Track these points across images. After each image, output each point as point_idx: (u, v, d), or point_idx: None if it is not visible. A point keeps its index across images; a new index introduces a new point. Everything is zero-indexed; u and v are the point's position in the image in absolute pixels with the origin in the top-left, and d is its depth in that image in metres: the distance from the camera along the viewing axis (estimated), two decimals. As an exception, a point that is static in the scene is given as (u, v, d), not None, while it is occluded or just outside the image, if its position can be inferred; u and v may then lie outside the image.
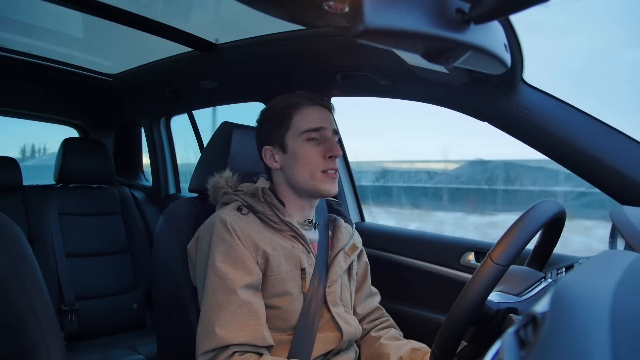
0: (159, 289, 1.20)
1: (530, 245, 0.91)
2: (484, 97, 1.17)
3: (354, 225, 1.26)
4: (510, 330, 0.38)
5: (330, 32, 1.18)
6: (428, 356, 1.04)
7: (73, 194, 2.04)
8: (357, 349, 1.16)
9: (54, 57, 1.77)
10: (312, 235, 1.13)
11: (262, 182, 1.11)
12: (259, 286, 1.01)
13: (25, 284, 0.91)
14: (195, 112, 2.26)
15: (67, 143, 2.03)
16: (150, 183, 2.50)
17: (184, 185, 2.46)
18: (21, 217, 1.85)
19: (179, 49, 1.51)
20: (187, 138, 2.38)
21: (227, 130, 1.25)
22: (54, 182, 2.07)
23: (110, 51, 1.79)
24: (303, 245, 1.07)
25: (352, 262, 1.17)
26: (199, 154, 1.84)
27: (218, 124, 1.32)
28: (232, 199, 1.10)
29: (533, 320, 0.37)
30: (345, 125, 1.77)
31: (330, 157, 1.06)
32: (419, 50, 0.55)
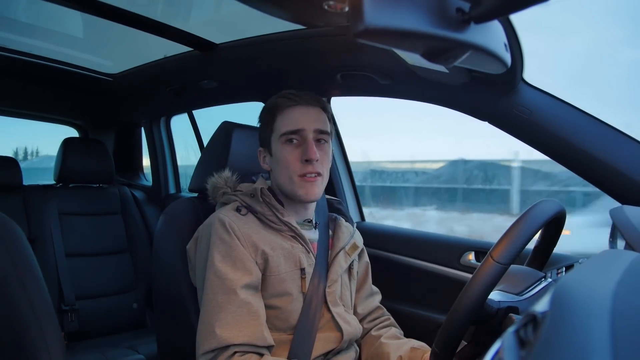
0: (159, 289, 1.20)
1: (530, 245, 0.91)
2: (484, 96, 1.17)
3: (355, 225, 1.26)
4: (510, 329, 0.38)
5: (330, 32, 1.18)
6: (428, 355, 1.04)
7: (73, 194, 2.04)
8: (358, 348, 1.16)
9: (54, 57, 1.77)
10: (312, 234, 1.13)
11: (260, 182, 1.11)
12: (258, 286, 1.01)
13: (25, 284, 0.91)
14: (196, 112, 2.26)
15: (67, 143, 2.03)
16: (150, 183, 2.50)
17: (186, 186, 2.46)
18: (21, 217, 1.85)
19: (179, 49, 1.51)
20: (187, 138, 2.39)
21: (227, 130, 1.25)
22: (53, 182, 2.07)
23: (110, 51, 1.79)
24: (302, 245, 1.07)
25: (352, 261, 1.17)
26: (199, 154, 1.84)
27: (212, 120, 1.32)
28: (231, 199, 1.10)
29: (533, 320, 0.37)
30: (341, 127, 1.77)
31: (306, 160, 1.03)
32: (419, 50, 0.55)
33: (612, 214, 0.82)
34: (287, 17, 0.62)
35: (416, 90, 1.33)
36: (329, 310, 1.07)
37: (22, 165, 1.95)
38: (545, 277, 0.93)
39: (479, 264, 0.77)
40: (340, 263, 1.12)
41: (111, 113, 2.35)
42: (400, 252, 1.58)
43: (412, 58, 0.99)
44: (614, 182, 1.05)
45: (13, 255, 0.93)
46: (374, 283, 1.27)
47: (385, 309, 1.27)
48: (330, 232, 1.18)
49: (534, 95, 1.11)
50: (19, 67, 1.80)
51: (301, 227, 1.09)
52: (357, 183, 1.88)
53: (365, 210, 1.88)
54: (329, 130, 1.08)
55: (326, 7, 0.52)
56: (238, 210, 1.06)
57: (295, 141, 1.04)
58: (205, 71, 1.60)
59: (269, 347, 0.98)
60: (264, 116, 1.10)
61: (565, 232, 0.96)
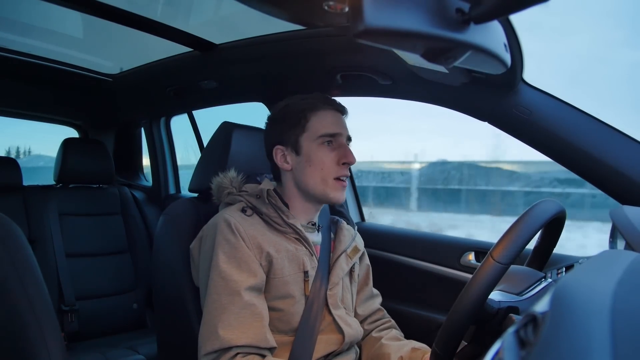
0: (159, 289, 1.20)
1: (530, 245, 0.91)
2: (484, 97, 1.17)
3: (356, 227, 1.26)
4: (511, 330, 0.38)
5: (330, 32, 1.18)
6: (428, 355, 1.04)
7: (73, 194, 2.04)
8: (358, 350, 1.16)
9: (54, 57, 1.77)
10: (315, 237, 1.13)
11: (266, 184, 1.10)
12: (262, 288, 1.00)
13: (25, 284, 0.91)
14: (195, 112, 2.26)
15: (67, 143, 2.03)
16: (150, 183, 2.50)
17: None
18: (21, 217, 1.85)
19: (179, 49, 1.51)
20: (187, 139, 2.39)
21: (227, 130, 1.25)
22: (53, 182, 2.07)
23: (110, 51, 1.79)
24: (306, 247, 1.07)
25: (353, 264, 1.17)
26: (199, 154, 1.84)
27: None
28: (237, 200, 1.09)
29: (533, 320, 0.37)
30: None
31: (344, 163, 1.05)
32: (419, 50, 0.55)
33: (612, 214, 0.82)
34: (287, 17, 0.62)
35: (416, 90, 1.33)
36: (330, 312, 1.07)
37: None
38: (545, 277, 0.93)
39: (479, 264, 0.77)
40: (342, 266, 1.12)
41: (111, 113, 2.35)
42: (400, 253, 1.58)
43: (412, 58, 0.99)
44: (614, 182, 1.05)
45: (13, 255, 0.93)
46: (374, 283, 1.27)
47: (385, 311, 1.27)
48: (332, 235, 1.18)
49: (534, 95, 1.11)
50: (19, 67, 1.80)
51: (305, 230, 1.09)
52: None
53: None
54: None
55: (326, 7, 0.52)
56: (243, 211, 1.06)
57: (331, 144, 1.06)
58: (205, 71, 1.60)
59: (271, 349, 0.98)
60: (290, 115, 1.08)
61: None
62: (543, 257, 1.02)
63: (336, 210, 1.25)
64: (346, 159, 1.05)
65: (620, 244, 0.81)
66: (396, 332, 1.20)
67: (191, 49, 1.49)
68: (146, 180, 2.59)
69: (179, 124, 2.42)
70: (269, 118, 1.14)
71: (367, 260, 1.27)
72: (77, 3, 1.24)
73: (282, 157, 1.09)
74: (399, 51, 0.91)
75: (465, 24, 0.50)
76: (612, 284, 0.37)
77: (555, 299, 0.36)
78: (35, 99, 2.17)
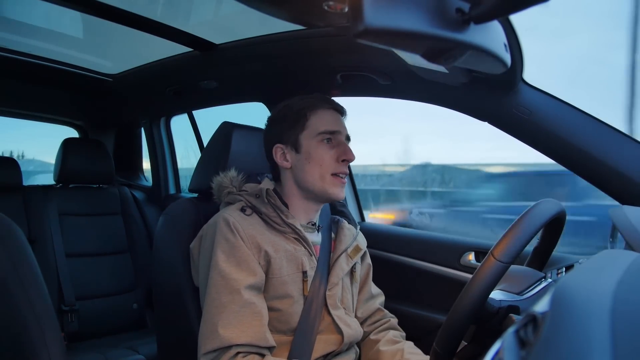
0: (159, 289, 1.20)
1: (530, 246, 0.91)
2: (484, 97, 1.17)
3: (359, 227, 1.25)
4: (511, 330, 0.38)
5: (330, 32, 1.18)
6: None
7: (73, 194, 2.04)
8: (358, 350, 1.16)
9: (54, 57, 1.77)
10: (315, 237, 1.13)
11: (266, 183, 1.10)
12: (261, 287, 1.01)
13: (25, 284, 0.91)
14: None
15: (67, 143, 2.03)
16: (150, 183, 2.50)
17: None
18: (21, 217, 1.85)
19: (179, 49, 1.50)
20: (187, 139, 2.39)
21: (227, 130, 1.25)
22: (54, 182, 2.07)
23: (110, 51, 1.79)
24: (305, 248, 1.07)
25: (354, 264, 1.17)
26: (199, 154, 1.84)
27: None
28: (236, 199, 1.10)
29: (533, 320, 0.37)
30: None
31: (343, 160, 1.07)
32: (419, 50, 0.55)
33: (612, 214, 0.82)
34: (287, 17, 0.62)
35: (416, 90, 1.33)
36: (329, 313, 1.07)
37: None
38: (545, 278, 0.93)
39: (479, 264, 0.77)
40: (342, 266, 1.12)
41: (111, 113, 2.35)
42: (400, 253, 1.58)
43: (412, 58, 0.99)
44: (614, 182, 1.05)
45: (13, 255, 0.93)
46: (374, 283, 1.27)
47: (386, 311, 1.26)
48: (333, 234, 1.18)
49: (534, 95, 1.11)
50: (19, 68, 1.80)
51: (304, 230, 1.09)
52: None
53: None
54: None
55: (326, 7, 0.52)
56: (243, 210, 1.06)
57: (330, 141, 1.08)
58: (205, 71, 1.60)
59: (271, 348, 0.98)
60: (290, 114, 1.10)
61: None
62: (543, 257, 1.02)
63: (338, 210, 1.24)
64: (345, 156, 1.07)
65: (620, 244, 0.81)
66: (394, 334, 1.19)
67: (191, 49, 1.49)
68: (146, 180, 2.59)
69: (179, 124, 2.42)
70: (269, 118, 1.15)
71: (368, 260, 1.26)
72: (77, 3, 1.24)
73: (282, 155, 1.10)
74: (399, 51, 0.91)
75: (465, 24, 0.50)
76: (612, 284, 0.37)
77: (555, 299, 0.36)
78: (36, 99, 2.17)
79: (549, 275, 0.98)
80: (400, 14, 0.46)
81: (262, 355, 0.95)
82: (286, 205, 1.09)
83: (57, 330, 0.92)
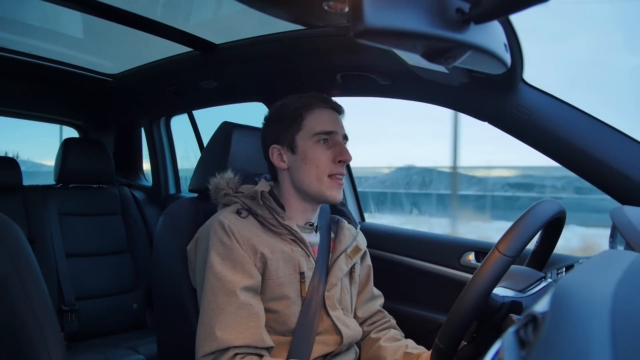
0: (159, 289, 1.20)
1: (530, 246, 0.91)
2: (484, 97, 1.17)
3: (359, 226, 1.25)
4: (511, 330, 0.38)
5: (330, 32, 1.18)
6: (424, 356, 1.04)
7: (73, 194, 2.04)
8: (358, 350, 1.16)
9: (54, 57, 1.77)
10: (313, 238, 1.12)
11: (262, 185, 1.10)
12: (258, 289, 1.00)
13: (25, 284, 0.91)
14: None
15: (67, 143, 2.03)
16: (150, 183, 2.50)
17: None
18: (21, 217, 1.85)
19: (179, 49, 1.51)
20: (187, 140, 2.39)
21: (227, 130, 1.25)
22: (54, 182, 2.07)
23: (110, 51, 1.79)
24: (302, 249, 1.06)
25: (354, 264, 1.16)
26: (199, 154, 1.84)
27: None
28: (232, 201, 1.09)
29: (533, 320, 0.37)
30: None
31: (340, 161, 1.05)
32: (419, 50, 0.55)
33: (612, 214, 0.82)
34: (287, 17, 0.62)
35: (416, 90, 1.33)
36: (327, 314, 1.07)
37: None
38: (545, 278, 0.93)
39: (480, 264, 0.77)
40: (341, 266, 1.12)
41: (111, 113, 2.35)
42: (400, 253, 1.57)
43: (412, 58, 0.99)
44: (614, 182, 1.05)
45: (13, 255, 0.93)
46: (374, 283, 1.27)
47: (386, 312, 1.26)
48: (332, 234, 1.17)
49: (534, 95, 1.11)
50: (19, 67, 1.80)
51: (302, 231, 1.09)
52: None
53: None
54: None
55: (326, 7, 0.52)
56: (239, 212, 1.06)
57: (327, 142, 1.06)
58: (205, 71, 1.60)
59: (269, 349, 0.98)
60: (286, 114, 1.09)
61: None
62: (543, 258, 1.02)
63: (338, 210, 1.24)
64: (342, 157, 1.05)
65: (620, 244, 0.81)
66: (394, 332, 1.20)
67: (191, 49, 1.49)
68: (146, 180, 2.59)
69: (179, 124, 2.42)
70: (266, 118, 1.14)
71: (368, 261, 1.26)
72: (77, 3, 1.24)
73: (279, 156, 1.09)
74: (399, 51, 0.91)
75: (465, 24, 0.50)
76: (612, 284, 0.37)
77: (555, 299, 0.36)
78: (36, 99, 2.17)
79: (549, 275, 0.98)
80: (400, 14, 0.46)
81: (260, 356, 0.95)
82: (283, 207, 1.08)
83: (57, 330, 0.92)
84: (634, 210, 0.81)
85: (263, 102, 1.74)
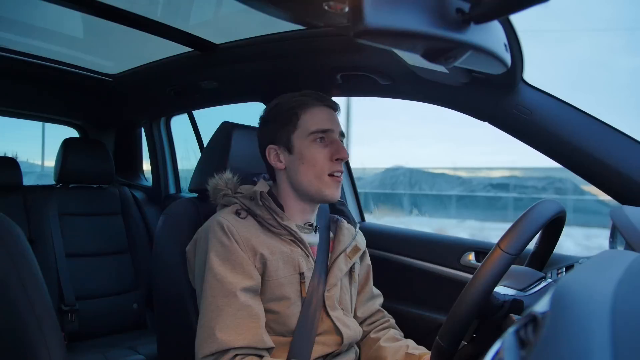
0: (159, 289, 1.20)
1: (530, 246, 0.91)
2: (484, 97, 1.17)
3: (358, 226, 1.25)
4: (511, 330, 0.38)
5: (330, 32, 1.18)
6: (426, 357, 1.04)
7: (73, 194, 2.04)
8: (358, 350, 1.16)
9: (54, 57, 1.77)
10: (312, 238, 1.12)
11: (260, 186, 1.10)
12: (258, 290, 1.00)
13: (25, 284, 0.91)
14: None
15: (67, 143, 2.03)
16: (150, 183, 2.50)
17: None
18: (21, 217, 1.85)
19: (179, 49, 1.51)
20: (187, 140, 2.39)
21: (227, 130, 1.25)
22: (54, 182, 2.07)
23: (110, 51, 1.79)
24: (302, 249, 1.06)
25: (353, 264, 1.16)
26: (199, 154, 1.84)
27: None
28: (231, 202, 1.09)
29: (533, 320, 0.37)
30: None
31: (337, 159, 1.05)
32: (419, 50, 0.55)
33: (612, 214, 0.82)
34: (287, 17, 0.62)
35: (416, 90, 1.33)
36: (327, 314, 1.06)
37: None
38: (545, 278, 0.93)
39: (480, 264, 0.77)
40: (340, 266, 1.12)
41: (111, 113, 2.35)
42: (400, 253, 1.57)
43: (412, 58, 0.99)
44: (614, 182, 1.05)
45: (13, 255, 0.93)
46: (374, 283, 1.27)
47: (385, 312, 1.26)
48: (332, 234, 1.17)
49: (534, 95, 1.11)
50: (19, 67, 1.79)
51: (301, 231, 1.09)
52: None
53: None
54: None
55: (326, 7, 0.52)
56: (237, 213, 1.05)
57: (324, 140, 1.05)
58: (206, 71, 1.60)
59: (269, 349, 0.98)
60: (281, 113, 1.08)
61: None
62: (543, 258, 1.02)
63: (337, 209, 1.24)
64: (339, 155, 1.04)
65: (621, 244, 0.81)
66: (394, 332, 1.20)
67: (191, 49, 1.49)
68: (146, 181, 2.59)
69: (179, 124, 2.42)
70: (261, 118, 1.14)
71: (368, 260, 1.26)
72: (77, 3, 1.24)
73: (275, 156, 1.09)
74: (399, 51, 0.91)
75: (465, 24, 0.50)
76: (612, 284, 0.37)
77: (555, 299, 0.36)
78: (36, 99, 2.17)
79: (549, 275, 0.98)
80: (400, 14, 0.46)
81: (261, 357, 0.95)
82: (282, 207, 1.08)
83: (57, 330, 0.92)
84: (634, 210, 0.81)
85: (263, 102, 1.74)
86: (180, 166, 2.45)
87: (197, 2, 1.33)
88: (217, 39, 1.41)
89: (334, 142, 1.06)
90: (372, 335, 1.19)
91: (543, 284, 0.90)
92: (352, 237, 1.18)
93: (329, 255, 1.13)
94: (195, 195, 1.29)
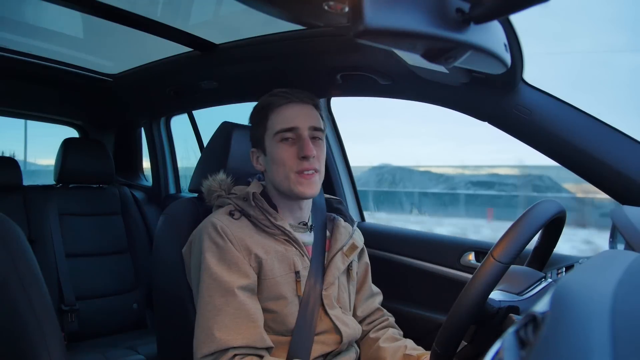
0: (159, 289, 1.20)
1: (530, 246, 0.91)
2: (484, 97, 1.17)
3: (356, 224, 1.25)
4: (511, 330, 0.38)
5: (330, 32, 1.18)
6: (423, 358, 1.04)
7: (73, 194, 2.04)
8: (358, 349, 1.16)
9: (54, 57, 1.77)
10: (307, 237, 1.12)
11: (253, 186, 1.10)
12: (254, 289, 1.00)
13: (25, 284, 0.91)
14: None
15: (67, 143, 2.03)
16: (150, 183, 2.50)
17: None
18: (21, 217, 1.85)
19: (179, 49, 1.51)
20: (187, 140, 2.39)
21: (226, 130, 1.25)
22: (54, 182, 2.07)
23: (110, 51, 1.79)
24: (296, 248, 1.06)
25: (351, 262, 1.16)
26: (199, 154, 1.84)
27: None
28: (225, 202, 1.09)
29: (533, 320, 0.37)
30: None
31: (303, 157, 1.03)
32: (419, 50, 0.55)
33: (612, 214, 0.82)
34: (287, 17, 0.62)
35: (416, 90, 1.33)
36: (326, 313, 1.06)
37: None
38: (545, 278, 0.93)
39: (479, 264, 0.77)
40: (337, 265, 1.11)
41: (111, 113, 2.35)
42: (400, 253, 1.57)
43: (412, 58, 0.99)
44: (614, 182, 1.05)
45: (13, 255, 0.93)
46: (373, 283, 1.27)
47: (385, 310, 1.27)
48: (328, 233, 1.17)
49: (534, 95, 1.11)
50: (19, 67, 1.80)
51: (295, 230, 1.09)
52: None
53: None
54: (322, 127, 1.09)
55: (326, 7, 0.52)
56: (231, 214, 1.05)
57: (290, 139, 1.04)
58: (205, 71, 1.60)
59: (268, 349, 0.98)
60: (256, 115, 1.10)
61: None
62: (543, 258, 1.02)
63: (334, 208, 1.24)
64: (302, 153, 1.02)
65: (620, 244, 0.81)
66: (393, 332, 1.19)
67: (191, 49, 1.49)
68: (146, 180, 2.59)
69: (179, 124, 2.42)
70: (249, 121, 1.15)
71: (366, 258, 1.26)
72: (77, 3, 1.24)
73: (256, 159, 1.11)
74: (399, 51, 0.91)
75: (465, 24, 0.50)
76: (612, 284, 0.37)
77: (555, 299, 0.36)
78: (36, 99, 2.17)
79: (549, 275, 0.98)
80: (400, 14, 0.46)
81: (260, 357, 0.95)
82: (275, 207, 1.08)
83: (57, 330, 0.92)
84: (634, 210, 0.81)
85: (263, 102, 1.74)
86: (180, 164, 2.45)
87: (197, 2, 1.33)
88: (217, 39, 1.41)
89: (300, 139, 1.04)
90: (371, 335, 1.19)
91: (543, 284, 0.90)
92: (349, 235, 1.17)
93: (326, 253, 1.13)
94: (195, 195, 1.29)
